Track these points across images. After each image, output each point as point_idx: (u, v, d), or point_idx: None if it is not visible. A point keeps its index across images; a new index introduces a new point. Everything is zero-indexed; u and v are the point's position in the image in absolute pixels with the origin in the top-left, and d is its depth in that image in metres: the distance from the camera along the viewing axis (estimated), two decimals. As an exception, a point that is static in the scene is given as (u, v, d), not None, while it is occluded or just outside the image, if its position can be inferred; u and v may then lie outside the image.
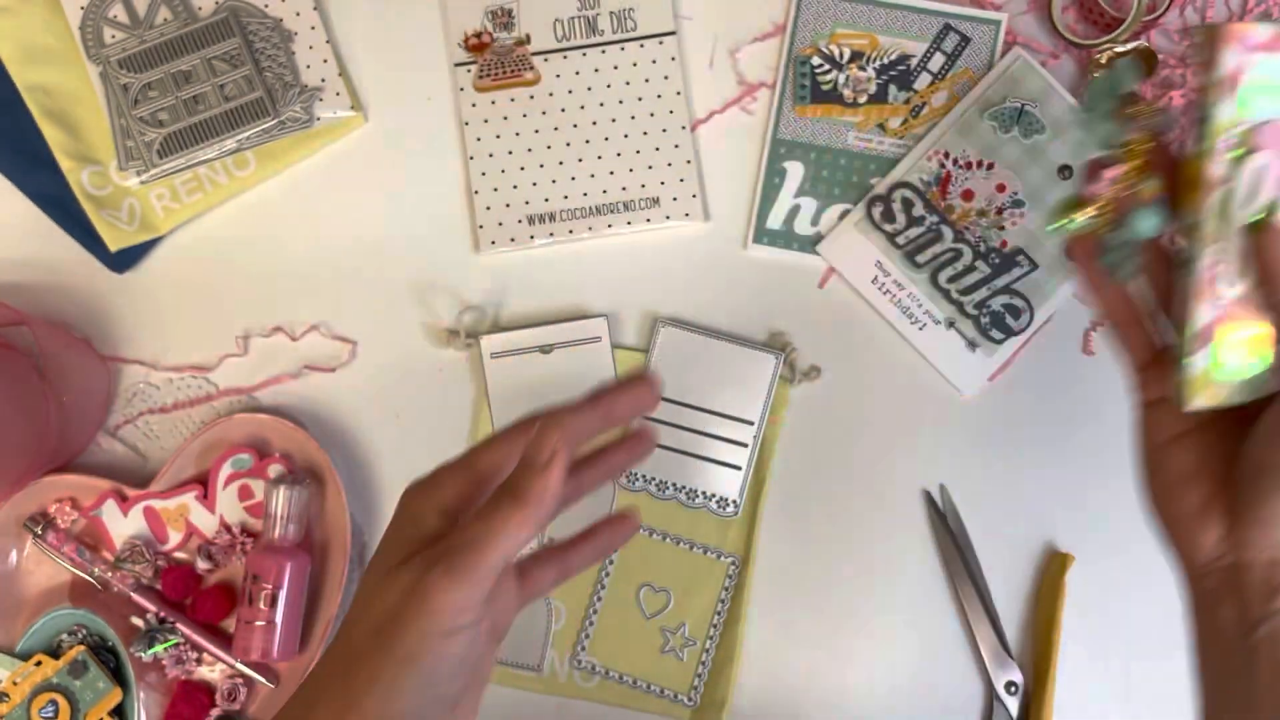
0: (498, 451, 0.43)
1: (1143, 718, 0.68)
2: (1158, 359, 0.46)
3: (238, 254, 0.70)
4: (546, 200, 0.69)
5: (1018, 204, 0.68)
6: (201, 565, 0.66)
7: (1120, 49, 0.66)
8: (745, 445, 0.68)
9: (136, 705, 0.65)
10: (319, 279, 0.70)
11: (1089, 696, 0.67)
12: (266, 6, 0.70)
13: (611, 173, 0.70)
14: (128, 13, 0.69)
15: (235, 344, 0.70)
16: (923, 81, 0.69)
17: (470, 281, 0.70)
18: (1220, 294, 0.41)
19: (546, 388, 0.68)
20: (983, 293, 0.68)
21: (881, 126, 0.69)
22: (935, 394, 0.69)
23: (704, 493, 0.68)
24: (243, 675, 0.66)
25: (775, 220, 0.69)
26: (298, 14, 0.70)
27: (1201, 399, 0.43)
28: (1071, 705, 0.67)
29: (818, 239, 0.69)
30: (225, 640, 0.66)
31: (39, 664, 0.64)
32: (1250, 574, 0.42)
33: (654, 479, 0.68)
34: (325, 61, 0.70)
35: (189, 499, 0.66)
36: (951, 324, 0.68)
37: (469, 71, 0.70)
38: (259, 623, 0.63)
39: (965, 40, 0.69)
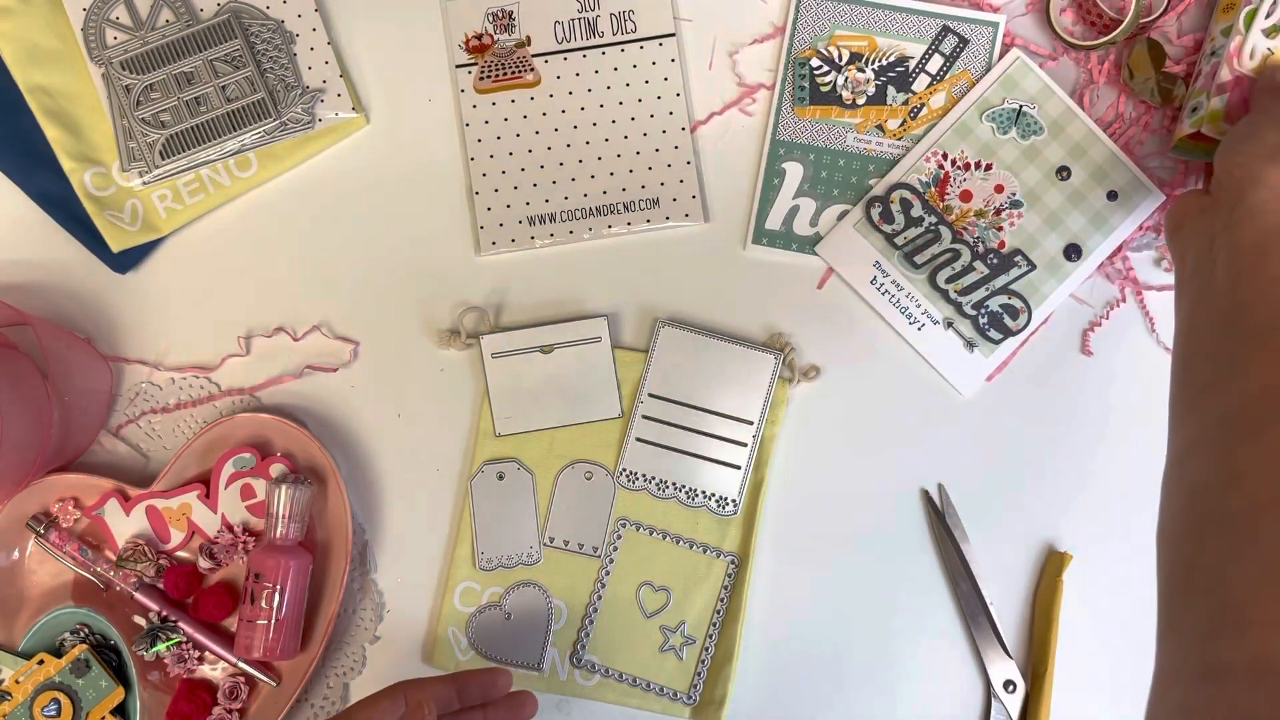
0: (372, 712, 0.53)
1: (1140, 716, 0.68)
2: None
3: (240, 254, 0.71)
4: (547, 201, 0.70)
5: (1016, 204, 0.68)
6: (203, 564, 0.67)
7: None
8: (744, 445, 0.68)
9: (138, 704, 0.65)
10: (321, 279, 0.70)
11: (1087, 695, 0.67)
12: (268, 8, 0.70)
13: (611, 174, 0.70)
14: (130, 14, 0.69)
15: (237, 344, 0.70)
16: (921, 83, 0.69)
17: (471, 281, 0.70)
18: (1237, 67, 0.62)
19: (547, 387, 0.68)
20: (981, 293, 0.68)
21: (880, 128, 0.69)
22: (933, 394, 0.69)
23: (703, 492, 0.68)
24: (244, 674, 0.66)
25: (774, 221, 0.70)
26: (299, 15, 0.70)
27: (1209, 128, 0.63)
28: (1069, 704, 0.67)
29: (816, 239, 0.69)
30: (227, 639, 0.66)
31: (41, 663, 0.64)
32: (1221, 190, 0.55)
33: (654, 478, 0.68)
34: (327, 63, 0.70)
35: (191, 498, 0.67)
36: (950, 324, 0.69)
37: (470, 73, 0.70)
38: (261, 621, 0.63)
39: (963, 42, 0.69)
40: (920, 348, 0.69)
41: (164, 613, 0.66)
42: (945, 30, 0.69)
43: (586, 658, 0.68)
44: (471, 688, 0.59)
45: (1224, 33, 0.65)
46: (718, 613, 0.68)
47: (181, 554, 0.68)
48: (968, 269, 0.68)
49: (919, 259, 0.68)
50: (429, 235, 0.70)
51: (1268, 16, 0.62)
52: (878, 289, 0.69)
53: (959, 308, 0.68)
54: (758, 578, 0.68)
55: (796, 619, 0.68)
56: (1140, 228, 0.69)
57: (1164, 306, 0.69)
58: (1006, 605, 0.68)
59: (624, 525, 0.68)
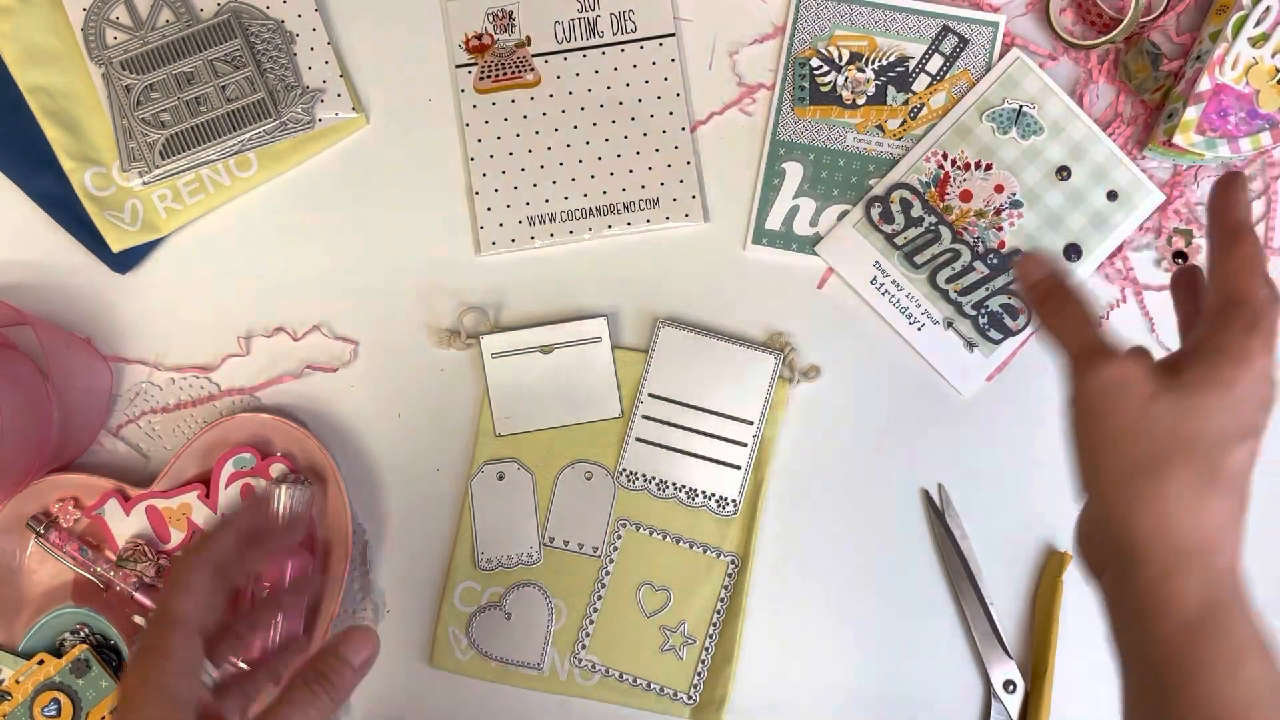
0: (186, 596, 0.44)
1: (1140, 716, 0.68)
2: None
3: (240, 254, 0.71)
4: (547, 201, 0.70)
5: (1015, 204, 0.68)
6: (203, 564, 0.67)
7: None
8: (744, 445, 0.68)
9: (139, 703, 0.65)
10: (321, 279, 0.70)
11: (1087, 695, 0.67)
12: (268, 8, 0.70)
13: (611, 174, 0.70)
14: (130, 14, 0.69)
15: (237, 344, 0.70)
16: (921, 83, 0.69)
17: (471, 281, 0.70)
18: (1219, 75, 0.63)
19: (547, 387, 0.68)
20: (981, 293, 0.68)
21: (880, 128, 0.69)
22: (933, 394, 0.69)
23: (703, 492, 0.68)
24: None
25: (774, 221, 0.70)
26: (299, 15, 0.70)
27: (1181, 138, 0.64)
28: (1069, 704, 0.67)
29: (817, 239, 0.69)
30: (227, 639, 0.66)
31: (41, 663, 0.64)
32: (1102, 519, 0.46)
33: (654, 478, 0.68)
34: (327, 63, 0.70)
35: (191, 498, 0.67)
36: (950, 324, 0.69)
37: (470, 73, 0.70)
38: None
39: (963, 42, 0.69)
40: (920, 348, 0.69)
41: (164, 613, 0.66)
42: (945, 30, 0.69)
43: (586, 658, 0.68)
44: (242, 521, 0.47)
45: (1211, 37, 0.64)
46: (718, 613, 0.68)
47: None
48: (968, 269, 0.68)
49: (919, 259, 0.68)
50: (429, 235, 0.70)
51: (1256, 24, 0.62)
52: (878, 289, 0.69)
53: (959, 308, 0.68)
54: (758, 578, 0.68)
55: (796, 619, 0.68)
56: (1140, 228, 0.69)
57: (1164, 306, 0.69)
58: (1006, 605, 0.68)
59: (624, 525, 0.68)
